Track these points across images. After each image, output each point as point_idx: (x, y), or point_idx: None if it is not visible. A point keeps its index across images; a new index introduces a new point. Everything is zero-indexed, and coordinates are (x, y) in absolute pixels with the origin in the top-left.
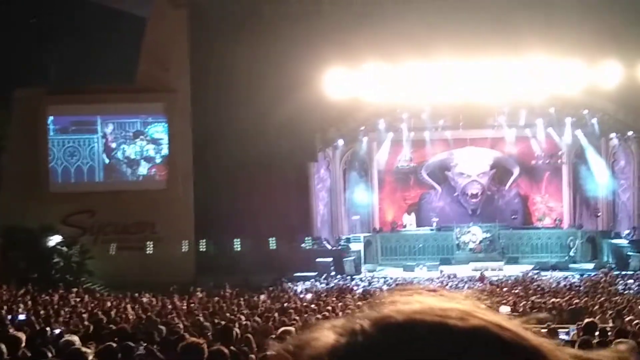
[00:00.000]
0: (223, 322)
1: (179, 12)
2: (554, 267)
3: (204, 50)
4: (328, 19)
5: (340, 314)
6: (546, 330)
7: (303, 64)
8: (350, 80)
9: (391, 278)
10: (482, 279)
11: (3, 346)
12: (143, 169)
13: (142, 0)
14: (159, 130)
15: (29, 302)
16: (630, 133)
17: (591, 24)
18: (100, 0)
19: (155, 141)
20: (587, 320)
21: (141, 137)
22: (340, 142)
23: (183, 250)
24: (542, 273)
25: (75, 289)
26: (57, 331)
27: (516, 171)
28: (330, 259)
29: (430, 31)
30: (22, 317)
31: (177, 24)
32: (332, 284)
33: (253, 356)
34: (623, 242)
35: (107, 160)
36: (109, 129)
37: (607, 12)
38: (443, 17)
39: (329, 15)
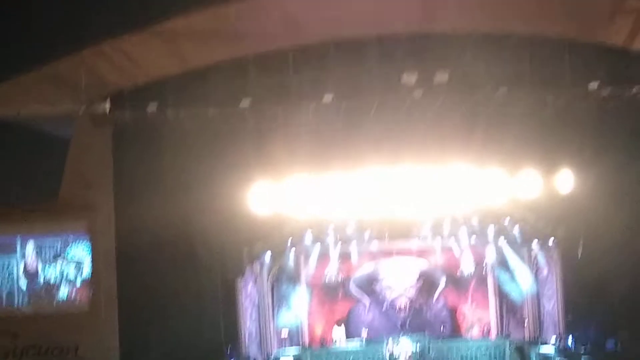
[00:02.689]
0: None
1: (102, 131)
2: None
3: (128, 167)
4: (252, 133)
5: None
6: None
7: (228, 178)
8: (275, 194)
9: None
10: None
11: None
12: (64, 291)
13: (64, 121)
14: (80, 251)
15: None
16: (550, 241)
17: (511, 133)
18: (21, 121)
19: (76, 262)
20: None
21: (61, 258)
22: (268, 256)
23: None
24: None
25: None
26: None
27: (443, 282)
28: None
29: (355, 140)
30: None
31: (101, 142)
32: None
33: None
34: (550, 350)
35: (26, 284)
36: (29, 250)
37: (527, 122)
38: (368, 126)
39: (253, 129)
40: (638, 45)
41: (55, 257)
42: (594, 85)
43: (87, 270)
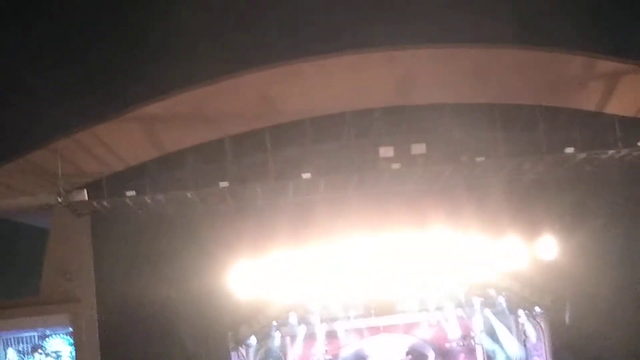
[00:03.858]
0: None
1: (81, 221)
2: None
3: (109, 256)
4: (232, 214)
5: None
6: None
7: (209, 261)
8: (257, 275)
9: None
10: None
11: None
12: None
13: (43, 212)
14: (58, 343)
15: None
16: (536, 310)
17: (492, 202)
18: None
19: (55, 355)
20: None
21: (39, 351)
22: (253, 339)
23: None
24: None
25: None
26: None
27: (431, 355)
28: None
29: (336, 216)
30: None
31: (80, 232)
32: None
33: None
34: None
35: None
36: (9, 348)
37: (506, 189)
38: (348, 201)
39: (232, 210)
40: (610, 108)
41: (34, 349)
42: (569, 150)
43: None
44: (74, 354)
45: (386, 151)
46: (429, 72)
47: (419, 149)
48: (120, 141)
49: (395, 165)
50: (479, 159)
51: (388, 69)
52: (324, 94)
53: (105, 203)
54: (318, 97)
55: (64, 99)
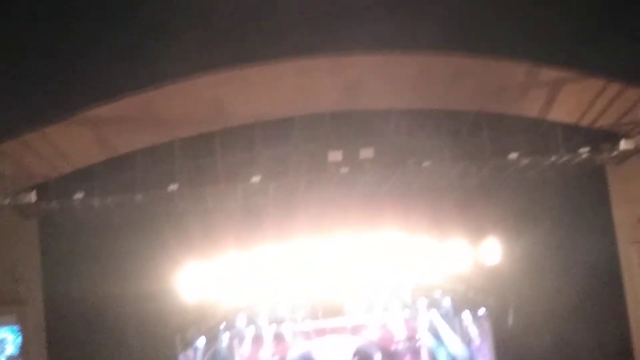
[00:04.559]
0: None
1: (29, 223)
2: None
3: (57, 258)
4: (180, 217)
5: None
6: None
7: (157, 263)
8: (205, 277)
9: None
10: None
11: None
12: None
13: None
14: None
15: None
16: (481, 311)
17: (438, 205)
18: None
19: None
20: None
21: None
22: (201, 341)
23: None
24: None
25: None
26: None
27: (378, 357)
28: None
29: (285, 219)
30: None
31: (27, 234)
32: None
33: None
34: None
35: None
36: None
37: (452, 193)
38: (297, 205)
39: (181, 213)
40: (552, 115)
41: None
42: (513, 155)
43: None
44: (18, 340)
45: (335, 155)
46: (375, 78)
47: (367, 153)
48: (69, 143)
49: (344, 169)
50: (426, 164)
51: (335, 74)
52: (273, 98)
53: (53, 205)
54: (266, 101)
55: (11, 101)
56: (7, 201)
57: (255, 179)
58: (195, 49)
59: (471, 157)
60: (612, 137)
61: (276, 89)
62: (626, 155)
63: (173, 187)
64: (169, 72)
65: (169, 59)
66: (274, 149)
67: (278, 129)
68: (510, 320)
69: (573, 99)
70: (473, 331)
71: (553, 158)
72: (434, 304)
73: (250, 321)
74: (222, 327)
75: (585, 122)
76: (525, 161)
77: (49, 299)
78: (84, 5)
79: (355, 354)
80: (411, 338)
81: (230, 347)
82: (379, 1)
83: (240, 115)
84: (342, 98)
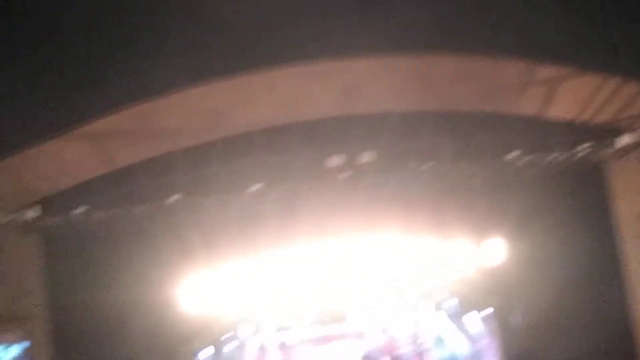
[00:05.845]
0: None
1: (32, 238)
2: None
3: (62, 273)
4: (183, 227)
5: None
6: None
7: (161, 275)
8: (210, 287)
9: None
10: None
11: None
12: None
13: None
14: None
15: None
16: (486, 312)
17: (441, 207)
18: None
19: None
20: None
21: None
22: (205, 352)
23: None
24: None
25: None
26: None
27: None
28: None
29: (287, 226)
30: None
31: (31, 250)
32: None
33: None
34: None
35: None
36: None
37: (455, 195)
38: (298, 211)
39: (183, 224)
40: (550, 113)
41: None
42: (513, 154)
43: None
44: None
45: (335, 160)
46: (373, 81)
47: (367, 157)
48: (69, 158)
49: (344, 174)
50: (426, 166)
51: (332, 79)
52: (270, 105)
53: (56, 220)
54: (264, 109)
55: (9, 117)
56: (9, 217)
57: (256, 187)
58: (191, 59)
59: (472, 157)
60: (611, 132)
61: (273, 96)
62: (626, 150)
63: (175, 197)
64: (165, 83)
65: (165, 70)
66: (274, 156)
67: (277, 136)
68: (515, 320)
69: (571, 95)
70: (479, 332)
71: (553, 155)
72: (439, 306)
73: (255, 330)
74: (227, 337)
75: (584, 118)
76: (525, 159)
77: (55, 314)
78: (82, 19)
79: (362, 359)
80: (417, 341)
81: (235, 357)
82: (373, 4)
83: (239, 123)
84: (340, 102)
